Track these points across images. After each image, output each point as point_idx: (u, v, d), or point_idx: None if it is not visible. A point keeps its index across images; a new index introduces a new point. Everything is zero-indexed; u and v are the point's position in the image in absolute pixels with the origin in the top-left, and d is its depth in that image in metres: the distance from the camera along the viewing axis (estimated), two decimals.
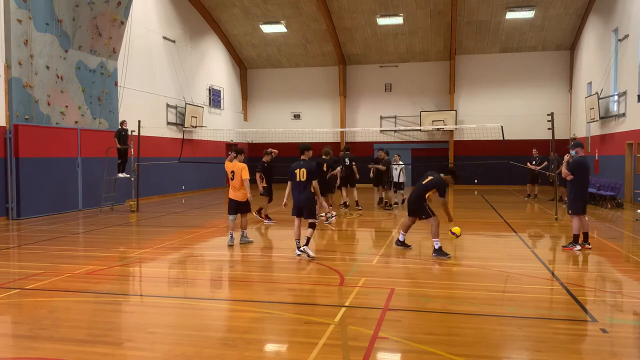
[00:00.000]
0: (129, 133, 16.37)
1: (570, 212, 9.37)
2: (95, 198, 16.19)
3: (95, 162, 16.31)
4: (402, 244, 9.47)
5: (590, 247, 9.31)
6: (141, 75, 19.63)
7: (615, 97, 19.68)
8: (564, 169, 9.45)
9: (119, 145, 15.96)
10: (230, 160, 10.01)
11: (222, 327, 5.53)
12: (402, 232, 9.51)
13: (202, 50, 25.18)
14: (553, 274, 7.61)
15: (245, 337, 4.99)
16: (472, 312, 5.81)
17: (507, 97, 26.78)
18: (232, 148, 10.16)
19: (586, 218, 9.42)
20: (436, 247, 8.77)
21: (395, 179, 16.73)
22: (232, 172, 9.80)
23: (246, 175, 9.73)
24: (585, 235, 9.32)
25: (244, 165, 9.84)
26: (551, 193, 17.53)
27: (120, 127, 16.17)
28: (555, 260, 8.69)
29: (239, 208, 9.95)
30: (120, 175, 16.27)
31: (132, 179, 16.67)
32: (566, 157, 9.60)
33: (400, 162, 16.92)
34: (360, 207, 15.88)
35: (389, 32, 25.89)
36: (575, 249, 9.22)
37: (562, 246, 9.56)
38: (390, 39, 26.45)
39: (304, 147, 9.11)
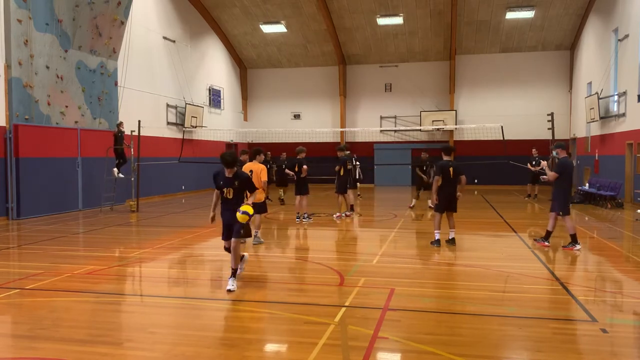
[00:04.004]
0: (129, 133, 16.36)
1: (560, 213, 9.43)
2: (95, 198, 16.19)
3: (95, 162, 16.31)
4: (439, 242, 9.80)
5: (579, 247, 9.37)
6: (141, 75, 19.62)
7: (615, 97, 19.67)
8: (548, 171, 9.71)
9: (116, 146, 15.96)
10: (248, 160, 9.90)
11: (222, 327, 5.53)
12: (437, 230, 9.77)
13: (202, 50, 25.17)
14: (553, 274, 7.61)
15: (245, 337, 4.99)
16: (472, 312, 5.81)
17: (507, 97, 26.77)
18: (253, 150, 10.03)
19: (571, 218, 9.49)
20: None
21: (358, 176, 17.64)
22: (251, 171, 9.55)
23: (265, 177, 9.59)
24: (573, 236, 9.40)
25: (264, 167, 9.68)
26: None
27: (117, 128, 16.18)
28: (555, 260, 8.69)
29: (255, 209, 9.87)
30: (115, 171, 16.00)
31: (132, 179, 16.67)
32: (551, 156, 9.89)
33: (357, 163, 17.91)
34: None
35: (389, 32, 25.89)
36: (575, 248, 9.23)
37: (562, 246, 9.57)
38: (390, 39, 26.44)
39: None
